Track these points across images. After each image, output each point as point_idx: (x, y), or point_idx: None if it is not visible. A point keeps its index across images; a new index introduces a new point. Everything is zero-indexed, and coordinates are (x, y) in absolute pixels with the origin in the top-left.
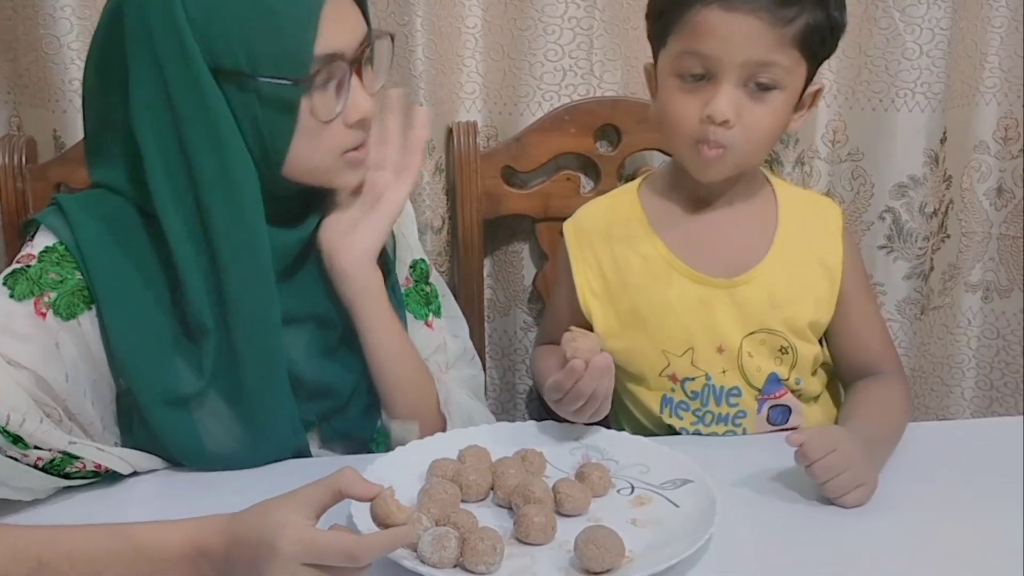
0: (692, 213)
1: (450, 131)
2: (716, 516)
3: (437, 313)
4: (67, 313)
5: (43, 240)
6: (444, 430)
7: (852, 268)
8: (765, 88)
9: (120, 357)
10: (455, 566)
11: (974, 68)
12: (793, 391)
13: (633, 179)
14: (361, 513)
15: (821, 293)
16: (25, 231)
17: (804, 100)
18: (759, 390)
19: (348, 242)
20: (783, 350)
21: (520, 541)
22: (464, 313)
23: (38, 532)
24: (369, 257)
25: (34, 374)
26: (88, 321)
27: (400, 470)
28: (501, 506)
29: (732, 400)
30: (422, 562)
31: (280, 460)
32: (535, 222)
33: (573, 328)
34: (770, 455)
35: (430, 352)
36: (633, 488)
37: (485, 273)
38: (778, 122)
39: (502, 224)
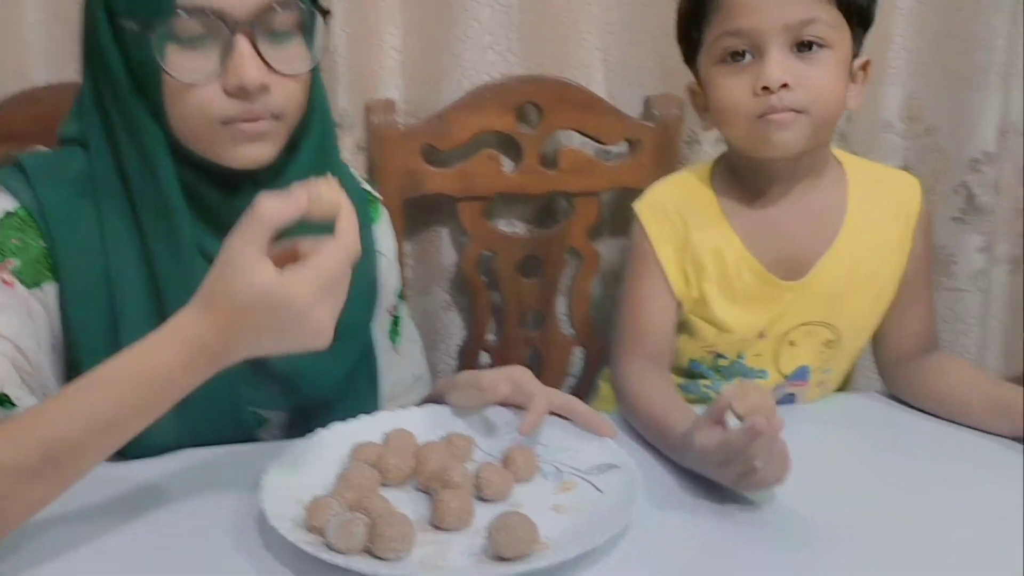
0: (761, 201)
1: (368, 108)
2: (635, 503)
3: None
4: (32, 281)
5: (3, 204)
6: None
7: (919, 254)
8: (813, 48)
9: (76, 333)
10: (364, 552)
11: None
12: (816, 381)
13: (554, 159)
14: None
15: (883, 282)
16: None
17: (856, 74)
18: (785, 377)
19: None
20: (829, 344)
21: (435, 527)
22: None
23: (29, 416)
24: None
25: (13, 343)
26: (52, 291)
27: (324, 452)
28: (421, 491)
29: (755, 380)
30: (328, 548)
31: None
32: (456, 201)
33: (741, 381)
34: None
35: (393, 380)
36: (560, 473)
37: (406, 252)
38: (837, 84)
39: (423, 203)
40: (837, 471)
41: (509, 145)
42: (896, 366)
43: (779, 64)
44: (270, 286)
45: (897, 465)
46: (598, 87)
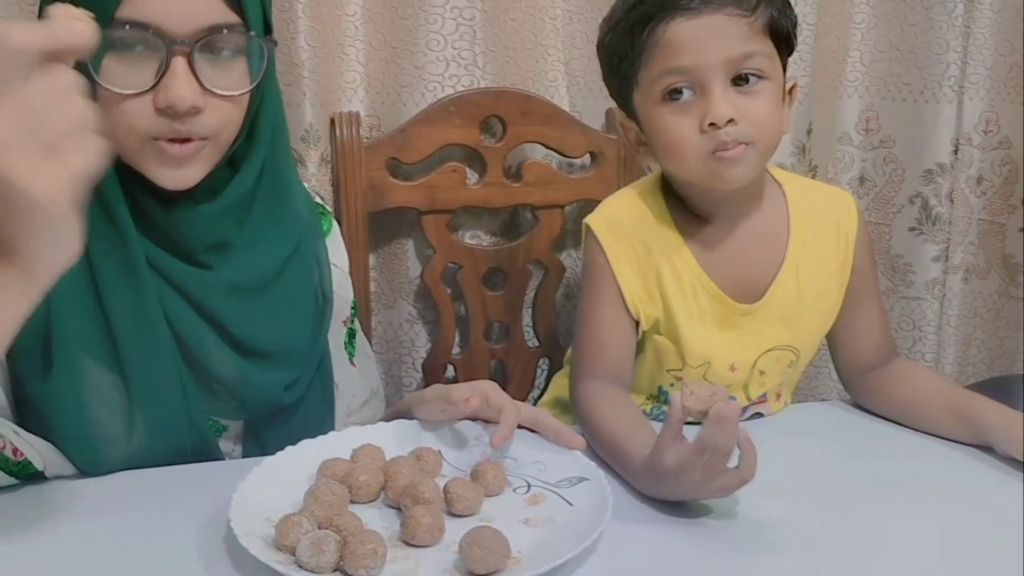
0: (711, 224)
1: (333, 121)
2: (607, 515)
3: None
4: None
5: None
6: None
7: (862, 267)
8: (751, 81)
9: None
10: (335, 571)
11: (837, 63)
12: (773, 395)
13: (518, 172)
14: None
15: (830, 302)
16: None
17: (784, 98)
18: (752, 401)
19: None
20: (791, 364)
21: (407, 543)
22: None
23: None
24: None
25: None
26: None
27: (292, 470)
28: (391, 507)
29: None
30: (300, 567)
31: (184, 461)
32: (421, 214)
33: (688, 382)
34: None
35: (351, 393)
36: (529, 487)
37: (370, 266)
38: (776, 112)
39: (387, 216)
40: (804, 480)
41: (473, 158)
42: (857, 376)
43: (723, 100)
44: None
45: (861, 472)
46: (561, 100)
